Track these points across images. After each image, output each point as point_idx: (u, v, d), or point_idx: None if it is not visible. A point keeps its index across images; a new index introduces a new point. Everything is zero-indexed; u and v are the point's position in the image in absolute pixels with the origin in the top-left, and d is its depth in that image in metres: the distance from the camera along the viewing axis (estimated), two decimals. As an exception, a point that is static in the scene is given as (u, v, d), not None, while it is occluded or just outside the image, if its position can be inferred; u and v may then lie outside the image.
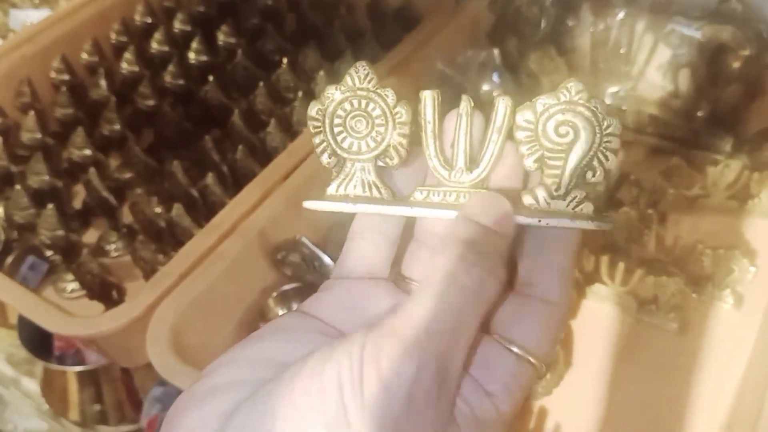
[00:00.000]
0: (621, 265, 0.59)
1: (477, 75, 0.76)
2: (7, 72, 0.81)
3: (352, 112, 0.29)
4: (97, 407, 0.81)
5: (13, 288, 0.63)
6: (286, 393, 0.24)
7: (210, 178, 0.70)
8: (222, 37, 0.91)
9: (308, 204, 0.30)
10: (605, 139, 0.27)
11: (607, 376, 0.58)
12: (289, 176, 0.67)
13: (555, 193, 0.27)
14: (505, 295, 0.28)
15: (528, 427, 0.56)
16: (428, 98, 0.28)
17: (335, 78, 0.76)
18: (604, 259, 0.60)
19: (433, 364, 0.24)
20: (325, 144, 0.29)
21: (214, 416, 0.24)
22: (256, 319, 0.60)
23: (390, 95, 0.28)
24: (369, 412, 0.23)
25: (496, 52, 0.76)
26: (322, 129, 0.29)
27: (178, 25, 0.93)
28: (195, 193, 0.71)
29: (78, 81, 0.85)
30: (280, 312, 0.60)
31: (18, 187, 0.71)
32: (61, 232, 0.69)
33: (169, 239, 0.69)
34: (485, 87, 0.75)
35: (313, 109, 0.29)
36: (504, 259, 0.27)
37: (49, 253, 0.69)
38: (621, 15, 0.71)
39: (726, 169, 0.66)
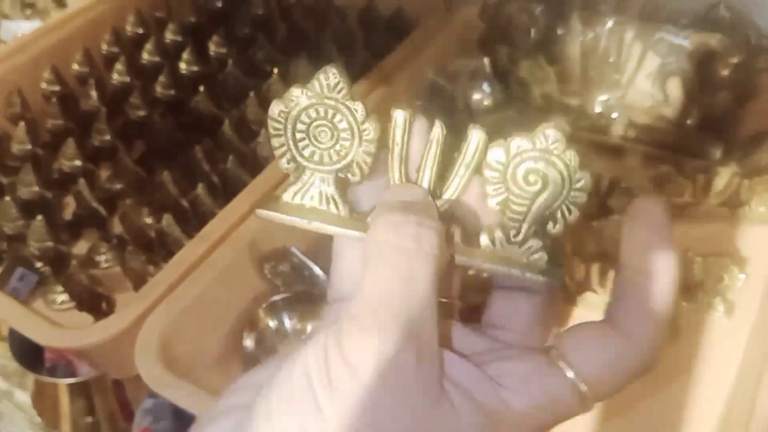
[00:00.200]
0: (611, 274, 0.59)
1: (467, 84, 0.76)
2: (-3, 82, 0.81)
3: (317, 120, 0.27)
4: (89, 419, 0.81)
5: (2, 300, 0.63)
6: (264, 405, 0.24)
7: (200, 188, 0.70)
8: (213, 47, 0.91)
9: (261, 213, 0.29)
10: (573, 194, 0.26)
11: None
12: (279, 186, 0.67)
13: (513, 239, 0.27)
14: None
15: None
16: (399, 118, 0.27)
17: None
18: (595, 267, 0.60)
19: (396, 334, 0.23)
20: (285, 148, 0.28)
21: None
22: (245, 329, 0.59)
23: (359, 110, 0.27)
24: (340, 397, 0.22)
25: (486, 61, 0.76)
26: (283, 133, 0.28)
27: (169, 36, 0.93)
28: (185, 203, 0.71)
29: (69, 91, 0.85)
30: (270, 322, 0.60)
31: (7, 198, 0.71)
32: (50, 244, 0.69)
33: (160, 250, 0.68)
34: (476, 96, 0.75)
35: (275, 110, 0.27)
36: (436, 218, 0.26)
37: (38, 264, 0.69)
38: (610, 24, 0.71)
39: (716, 176, 0.66)
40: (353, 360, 0.23)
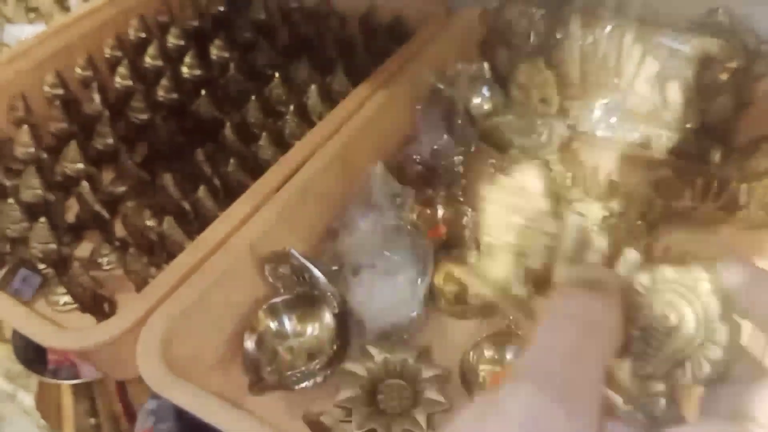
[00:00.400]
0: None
1: (467, 88, 0.76)
2: (0, 86, 0.82)
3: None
4: (92, 420, 0.82)
5: (5, 301, 0.63)
6: None
7: (202, 191, 0.71)
8: (215, 52, 0.91)
9: None
10: (707, 346, 0.24)
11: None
12: (281, 189, 0.67)
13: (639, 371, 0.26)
14: None
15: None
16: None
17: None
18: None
19: (547, 397, 0.23)
20: None
21: None
22: (246, 330, 0.60)
23: None
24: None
25: (486, 65, 0.77)
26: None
27: (171, 40, 0.94)
28: (187, 206, 0.71)
29: (72, 95, 0.86)
30: (271, 324, 0.60)
31: (11, 200, 0.72)
32: (53, 246, 0.70)
33: (161, 252, 0.69)
34: (475, 100, 0.76)
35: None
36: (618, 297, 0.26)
37: (41, 266, 0.69)
38: (609, 28, 0.71)
39: (715, 180, 0.67)
40: (504, 413, 0.23)
